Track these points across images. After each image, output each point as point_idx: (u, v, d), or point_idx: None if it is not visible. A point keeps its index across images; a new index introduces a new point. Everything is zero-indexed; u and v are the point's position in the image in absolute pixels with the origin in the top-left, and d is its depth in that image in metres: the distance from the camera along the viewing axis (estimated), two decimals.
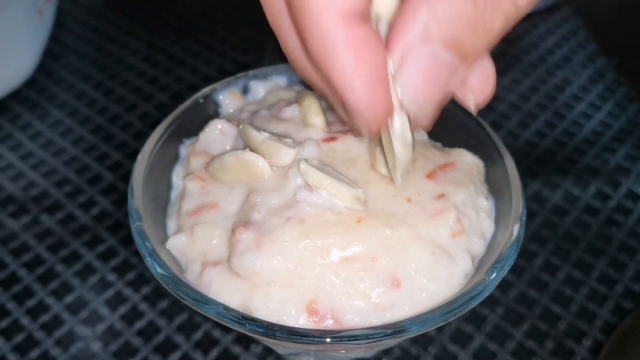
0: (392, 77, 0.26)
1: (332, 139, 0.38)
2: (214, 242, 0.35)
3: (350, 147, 0.38)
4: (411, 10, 0.25)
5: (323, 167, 0.35)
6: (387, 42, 0.26)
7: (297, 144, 0.37)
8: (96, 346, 0.49)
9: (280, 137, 0.37)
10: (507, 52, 0.76)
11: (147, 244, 0.34)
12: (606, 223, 0.58)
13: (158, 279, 0.33)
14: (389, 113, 0.27)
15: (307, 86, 0.46)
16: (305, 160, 0.35)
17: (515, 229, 0.35)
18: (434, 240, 0.34)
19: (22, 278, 0.53)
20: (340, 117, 0.32)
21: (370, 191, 0.35)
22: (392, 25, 0.26)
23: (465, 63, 0.26)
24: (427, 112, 0.28)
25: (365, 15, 0.26)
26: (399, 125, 0.29)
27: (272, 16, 0.29)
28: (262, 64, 0.46)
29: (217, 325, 0.50)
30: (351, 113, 0.27)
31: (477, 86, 0.30)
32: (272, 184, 0.36)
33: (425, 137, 0.41)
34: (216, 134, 0.40)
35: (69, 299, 0.51)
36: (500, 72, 0.74)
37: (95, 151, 0.64)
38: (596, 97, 0.71)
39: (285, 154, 0.35)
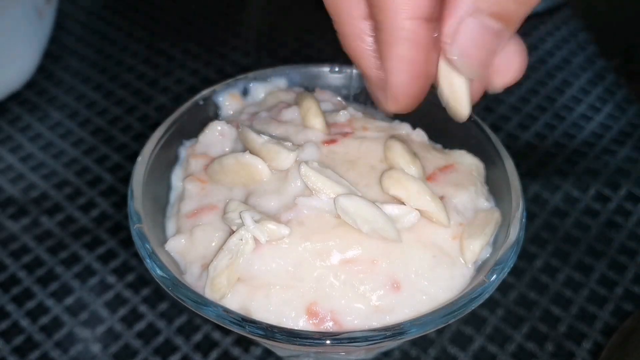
0: (447, 47, 0.30)
1: (332, 141, 0.38)
2: (213, 244, 0.35)
3: (350, 149, 0.38)
4: None
5: (323, 169, 0.35)
6: (444, 8, 0.30)
7: (297, 146, 0.37)
8: (96, 348, 0.49)
9: (280, 140, 0.37)
10: None
11: (147, 245, 0.34)
12: (606, 225, 0.58)
13: (158, 280, 0.33)
14: (417, 103, 0.33)
15: (307, 88, 0.46)
16: (306, 162, 0.35)
17: (515, 230, 0.35)
18: (435, 243, 0.34)
19: (22, 280, 0.53)
20: (371, 91, 0.35)
21: (370, 194, 0.35)
22: None
23: (509, 29, 0.30)
24: (480, 73, 0.32)
25: (433, 16, 0.29)
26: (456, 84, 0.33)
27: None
28: (262, 65, 0.46)
29: (217, 327, 0.50)
30: (387, 93, 0.32)
31: (503, 67, 0.33)
32: (271, 186, 0.36)
33: (425, 138, 0.41)
34: (216, 135, 0.40)
35: (69, 300, 0.51)
36: None
37: (95, 153, 0.64)
38: (596, 99, 0.71)
39: (285, 158, 0.35)
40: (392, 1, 0.29)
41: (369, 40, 0.32)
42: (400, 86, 0.31)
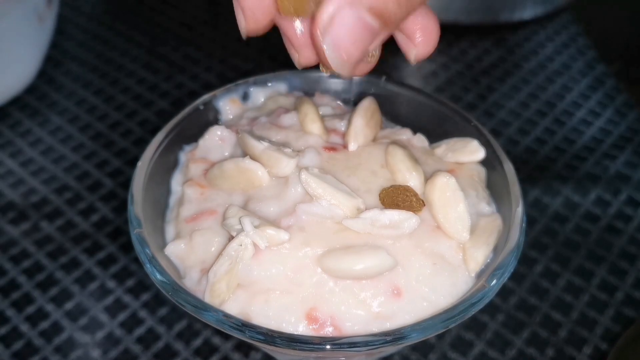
0: (319, 37, 0.29)
1: (333, 148, 0.38)
2: (213, 249, 0.35)
3: (351, 155, 0.38)
4: None
5: (323, 175, 0.35)
6: None
7: (297, 153, 0.37)
8: (95, 353, 0.49)
9: (279, 146, 0.37)
10: (506, 59, 0.76)
11: (147, 250, 0.34)
12: (606, 230, 0.58)
13: (158, 285, 0.33)
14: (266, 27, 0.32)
15: (307, 92, 0.46)
16: (306, 169, 0.35)
17: (515, 235, 0.35)
18: (436, 250, 0.34)
19: (22, 285, 0.53)
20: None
21: (371, 200, 0.35)
22: None
23: (386, 30, 0.29)
24: (347, 68, 0.30)
25: None
26: None
27: None
28: (262, 70, 0.46)
29: (217, 332, 0.50)
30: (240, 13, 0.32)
31: (420, 41, 0.33)
32: (270, 192, 0.36)
33: (426, 143, 0.41)
34: (215, 140, 0.40)
35: (69, 305, 0.51)
36: (500, 78, 0.74)
37: (96, 158, 0.64)
38: (596, 104, 0.71)
39: (286, 165, 0.35)
40: None
41: None
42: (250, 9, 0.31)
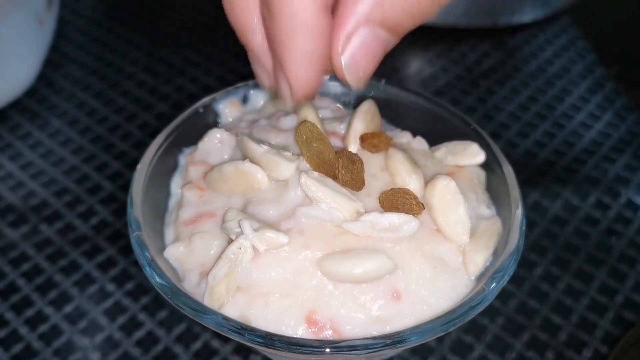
0: (336, 55, 0.30)
1: None
2: (212, 252, 0.35)
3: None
4: None
5: (323, 179, 0.35)
6: (336, 15, 0.29)
7: (297, 156, 0.37)
8: (95, 356, 0.48)
9: (279, 149, 0.37)
10: (506, 62, 0.76)
11: (147, 253, 0.34)
12: (606, 233, 0.58)
13: (157, 288, 0.33)
14: (314, 92, 0.32)
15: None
16: (306, 172, 0.35)
17: (515, 238, 0.35)
18: (436, 253, 0.34)
19: (21, 288, 0.53)
20: (261, 78, 0.35)
21: (371, 203, 0.35)
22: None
23: (395, 39, 0.30)
24: (363, 83, 0.32)
25: (330, 4, 0.29)
26: None
27: None
28: None
29: (216, 335, 0.49)
30: (284, 83, 0.32)
31: None
32: (270, 195, 0.36)
33: (425, 146, 0.41)
34: (215, 143, 0.40)
35: (68, 308, 0.51)
36: (499, 81, 0.74)
37: (95, 161, 0.64)
38: (595, 107, 0.71)
39: (286, 168, 0.35)
40: None
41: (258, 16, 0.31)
42: (302, 78, 0.31)
